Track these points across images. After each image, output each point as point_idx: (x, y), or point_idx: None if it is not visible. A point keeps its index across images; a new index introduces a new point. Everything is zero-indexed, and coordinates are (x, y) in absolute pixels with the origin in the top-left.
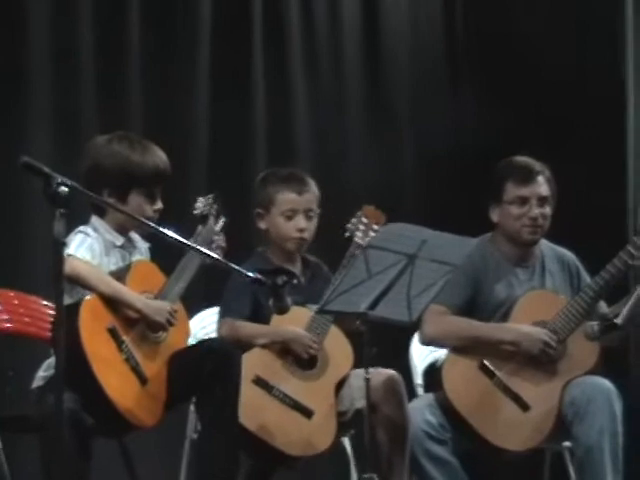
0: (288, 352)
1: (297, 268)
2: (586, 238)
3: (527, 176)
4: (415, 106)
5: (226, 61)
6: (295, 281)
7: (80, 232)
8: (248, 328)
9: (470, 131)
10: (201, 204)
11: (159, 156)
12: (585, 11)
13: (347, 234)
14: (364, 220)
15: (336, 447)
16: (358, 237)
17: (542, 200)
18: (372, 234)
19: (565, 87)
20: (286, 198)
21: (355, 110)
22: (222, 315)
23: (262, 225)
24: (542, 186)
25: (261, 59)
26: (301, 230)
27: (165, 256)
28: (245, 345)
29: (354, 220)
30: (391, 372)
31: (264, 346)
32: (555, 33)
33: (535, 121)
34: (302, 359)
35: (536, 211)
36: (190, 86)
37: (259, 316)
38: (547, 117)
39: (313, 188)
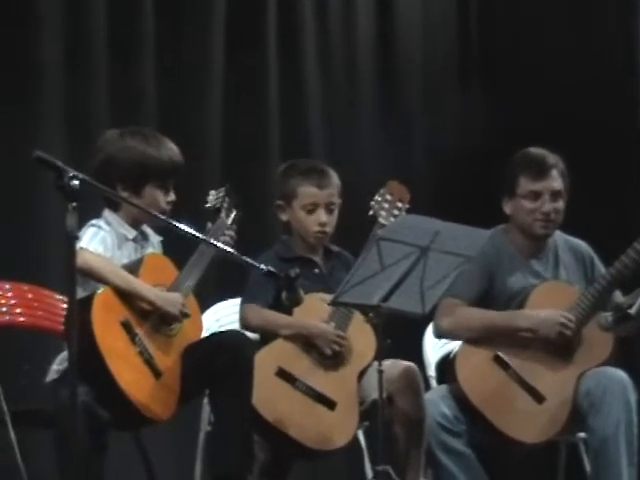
0: (312, 345)
1: (319, 258)
2: (600, 229)
3: (540, 170)
4: (426, 104)
5: (240, 57)
6: (317, 271)
7: (93, 225)
8: (274, 317)
9: (479, 129)
10: (213, 197)
11: (173, 149)
12: (597, 13)
13: (371, 212)
14: (388, 197)
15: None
16: (382, 217)
17: (555, 195)
18: (396, 213)
19: (574, 86)
20: (307, 192)
21: (368, 108)
22: (247, 301)
23: (283, 217)
24: (556, 180)
25: (275, 56)
26: (322, 224)
27: (178, 249)
28: (267, 333)
29: (378, 198)
30: (408, 364)
31: (287, 337)
32: (565, 34)
33: (543, 120)
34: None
35: (549, 206)
36: (203, 80)
37: (278, 306)
38: (555, 115)
39: (334, 180)
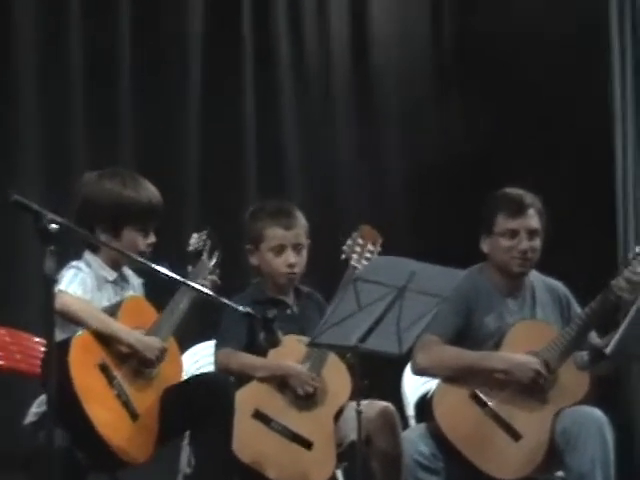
0: (286, 385)
1: (290, 299)
2: (577, 268)
3: (517, 209)
4: (404, 122)
5: (217, 97)
6: (289, 311)
7: (73, 267)
8: (248, 359)
9: (458, 143)
10: (195, 240)
11: (151, 191)
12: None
13: (343, 256)
14: (360, 241)
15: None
16: (354, 260)
17: (532, 233)
18: (368, 255)
19: (552, 97)
20: (274, 233)
21: (345, 129)
22: (221, 345)
23: (253, 260)
24: (532, 219)
25: (251, 89)
26: (291, 265)
27: (160, 291)
28: (243, 376)
29: (350, 242)
30: (385, 404)
31: (262, 379)
32: (538, 45)
33: (520, 131)
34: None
35: (526, 244)
36: (181, 120)
37: (254, 348)
38: (532, 127)
39: (301, 221)
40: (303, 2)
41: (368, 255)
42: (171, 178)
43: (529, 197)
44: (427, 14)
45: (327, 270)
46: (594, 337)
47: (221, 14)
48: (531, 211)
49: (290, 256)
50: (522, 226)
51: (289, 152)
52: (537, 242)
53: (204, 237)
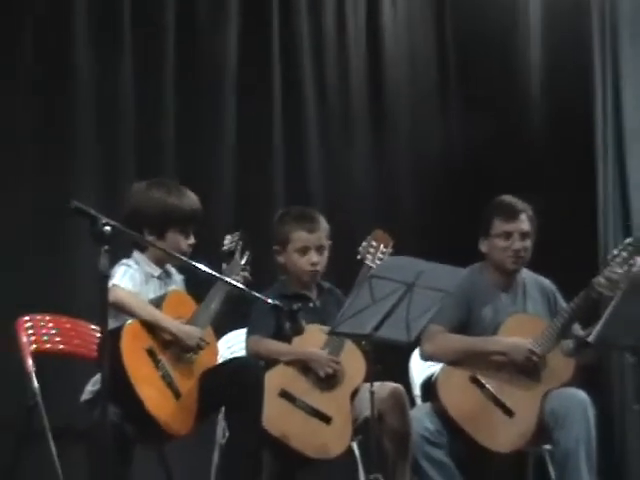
0: (309, 369)
1: (313, 294)
2: (564, 267)
3: (511, 214)
4: (412, 138)
5: (249, 122)
6: (311, 305)
7: (123, 264)
8: (275, 345)
9: (459, 156)
10: (228, 241)
11: (192, 199)
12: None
13: (359, 257)
14: (373, 244)
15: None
16: (369, 260)
17: (524, 235)
18: (380, 256)
19: (543, 113)
20: (299, 236)
21: (361, 145)
22: (251, 333)
23: (280, 260)
24: (524, 223)
25: (279, 111)
26: (314, 264)
27: (198, 286)
28: (270, 360)
29: (364, 244)
30: (396, 385)
31: (288, 363)
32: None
33: (514, 143)
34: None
35: (519, 244)
36: (218, 137)
37: (280, 335)
38: (524, 139)
39: (323, 225)
40: (325, 40)
41: (381, 256)
42: (209, 189)
43: (521, 204)
44: (432, 42)
45: (345, 268)
46: (578, 329)
47: (253, 50)
48: (523, 216)
49: (313, 256)
50: (515, 229)
51: (312, 165)
52: (528, 243)
53: (236, 238)
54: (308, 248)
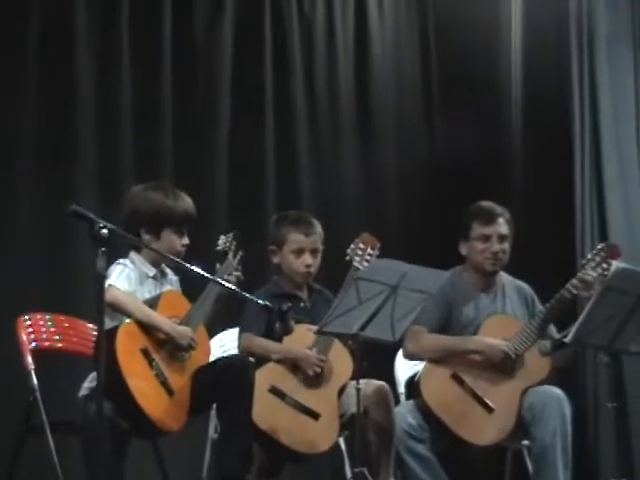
0: (297, 367)
1: (304, 294)
2: (542, 271)
3: (489, 217)
4: (398, 148)
5: (243, 122)
6: (302, 305)
7: (120, 264)
8: (265, 344)
9: (444, 154)
10: (222, 241)
11: (187, 201)
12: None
13: (347, 258)
14: (361, 246)
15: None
16: (356, 261)
17: (502, 238)
18: (368, 257)
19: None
20: (295, 238)
21: (349, 154)
22: (243, 331)
23: (275, 260)
24: (502, 226)
25: (272, 119)
26: (308, 266)
27: (195, 286)
28: (261, 358)
29: (352, 246)
30: (381, 383)
31: (278, 361)
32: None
33: (492, 151)
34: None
35: (497, 247)
36: (212, 144)
37: (271, 335)
38: (501, 146)
39: (318, 229)
40: (315, 54)
41: (368, 257)
42: (203, 192)
43: (499, 208)
44: (417, 57)
45: (334, 270)
46: (554, 332)
47: (246, 65)
48: (501, 220)
49: (308, 258)
50: (493, 232)
51: (302, 170)
52: (506, 245)
53: (230, 239)
54: (303, 250)
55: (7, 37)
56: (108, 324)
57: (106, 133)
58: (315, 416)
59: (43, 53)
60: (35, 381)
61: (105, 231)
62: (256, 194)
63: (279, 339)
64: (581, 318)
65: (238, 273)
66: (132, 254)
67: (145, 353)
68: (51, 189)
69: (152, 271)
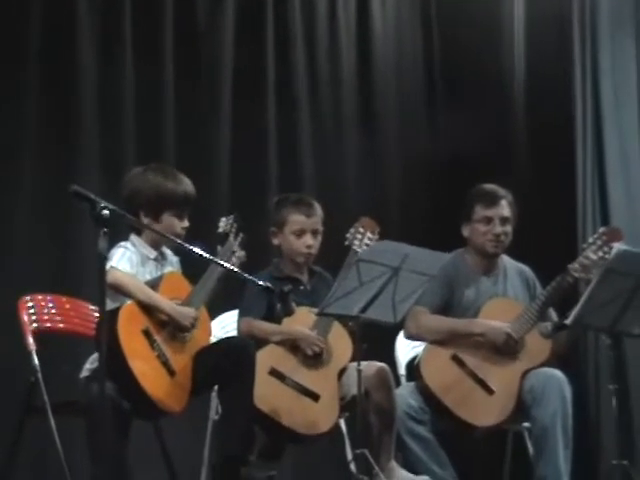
0: (298, 348)
1: (304, 276)
2: (543, 254)
3: (492, 200)
4: (399, 132)
5: (244, 106)
6: (302, 287)
7: (121, 246)
8: (265, 326)
9: (443, 148)
10: (223, 223)
11: (187, 183)
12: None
13: (346, 242)
14: (361, 230)
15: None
16: (356, 245)
17: (504, 220)
18: (367, 242)
19: (524, 112)
20: (296, 219)
21: (350, 138)
22: (242, 314)
23: (276, 241)
24: (504, 209)
25: (273, 103)
26: (308, 247)
27: (195, 267)
28: (261, 340)
29: (352, 230)
30: (381, 364)
31: (277, 342)
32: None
33: (494, 137)
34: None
35: (499, 229)
36: (214, 126)
37: (271, 316)
38: (504, 136)
39: (319, 211)
40: (317, 39)
41: (367, 242)
42: (204, 174)
43: (502, 191)
44: (419, 45)
45: (333, 253)
46: (553, 314)
47: (248, 48)
48: (503, 202)
49: (309, 239)
50: (496, 214)
51: (304, 152)
52: (508, 228)
53: (231, 221)
54: (304, 231)
55: (10, 21)
56: (109, 305)
57: (108, 116)
58: (315, 397)
59: (45, 37)
60: (37, 362)
61: (106, 212)
62: (258, 178)
63: (279, 320)
64: (582, 300)
65: (242, 253)
66: (132, 237)
67: (147, 334)
68: (53, 172)
69: (153, 253)
